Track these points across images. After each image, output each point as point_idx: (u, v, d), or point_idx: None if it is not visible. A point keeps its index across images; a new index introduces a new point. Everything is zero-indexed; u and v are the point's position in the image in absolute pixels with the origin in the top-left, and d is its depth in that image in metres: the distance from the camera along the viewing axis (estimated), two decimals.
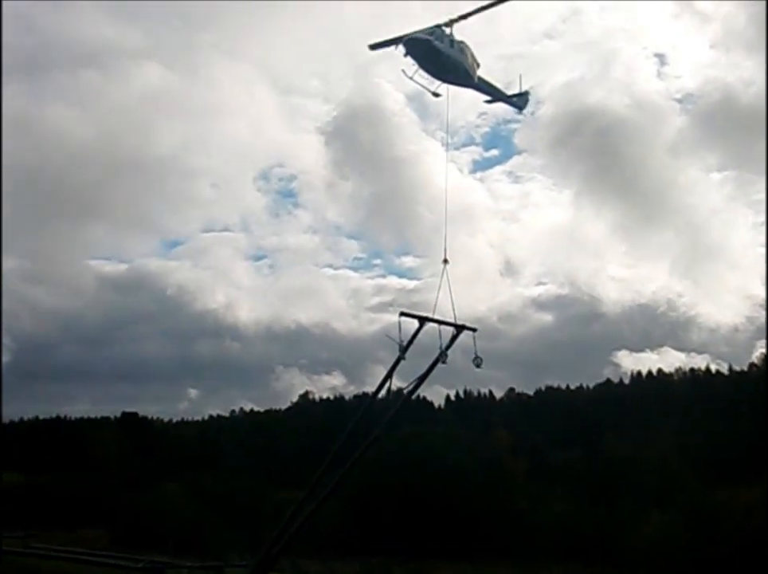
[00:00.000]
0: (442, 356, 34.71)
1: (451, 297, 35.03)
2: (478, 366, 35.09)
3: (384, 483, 79.38)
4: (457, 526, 73.73)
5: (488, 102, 45.56)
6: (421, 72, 38.61)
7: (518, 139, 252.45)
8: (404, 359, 34.73)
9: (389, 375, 35.41)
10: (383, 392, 36.08)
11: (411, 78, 38.03)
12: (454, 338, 34.98)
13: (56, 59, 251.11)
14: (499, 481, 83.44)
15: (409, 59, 37.70)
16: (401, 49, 38.17)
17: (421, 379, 35.40)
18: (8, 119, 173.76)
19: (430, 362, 35.11)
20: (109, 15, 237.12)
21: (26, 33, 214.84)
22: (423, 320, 34.78)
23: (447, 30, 38.29)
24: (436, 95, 39.64)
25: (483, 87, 42.99)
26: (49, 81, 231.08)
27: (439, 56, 37.58)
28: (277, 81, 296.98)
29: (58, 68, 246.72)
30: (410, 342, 34.72)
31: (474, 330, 35.14)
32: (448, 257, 35.80)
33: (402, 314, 34.32)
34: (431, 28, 37.90)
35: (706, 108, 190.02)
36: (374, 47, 39.62)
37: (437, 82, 39.11)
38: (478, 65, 41.02)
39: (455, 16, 38.47)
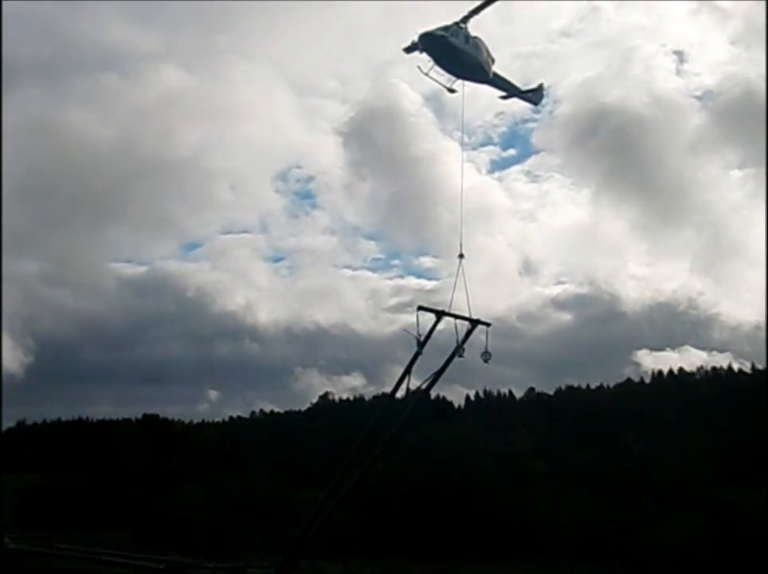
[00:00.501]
0: (458, 351, 35.18)
1: (466, 292, 35.71)
2: (486, 361, 35.52)
3: (404, 483, 79.40)
4: (477, 526, 73.61)
5: (503, 98, 45.77)
6: (437, 68, 39.02)
7: (535, 139, 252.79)
8: (421, 353, 35.20)
9: (407, 371, 35.73)
10: (402, 390, 36.43)
11: (427, 74, 38.35)
12: (469, 332, 35.48)
13: (76, 62, 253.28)
14: (519, 481, 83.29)
15: (424, 56, 38.14)
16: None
17: (438, 374, 35.76)
18: (29, 122, 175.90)
19: (443, 363, 35.62)
20: (128, 18, 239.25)
21: (47, 37, 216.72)
22: (440, 314, 35.36)
23: (462, 27, 38.54)
24: (452, 91, 40.02)
25: (498, 83, 43.18)
26: (70, 85, 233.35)
27: (454, 52, 37.84)
28: (295, 83, 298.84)
29: (79, 71, 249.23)
30: (428, 336, 35.25)
31: (488, 325, 35.59)
32: (465, 254, 36.41)
33: (420, 308, 35.04)
34: (447, 24, 38.19)
35: (726, 105, 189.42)
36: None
37: (453, 78, 39.45)
38: (493, 61, 41.24)
39: (467, 12, 38.73)
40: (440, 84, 39.02)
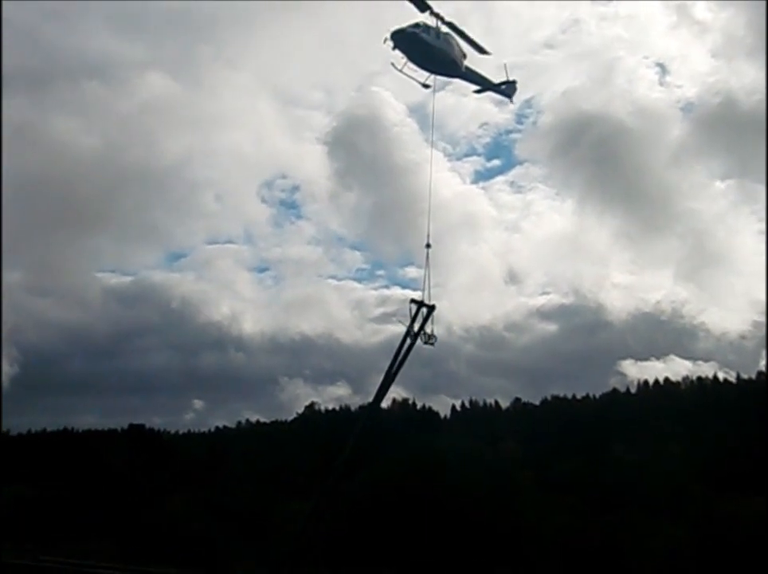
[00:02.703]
0: (419, 335, 37.37)
1: (425, 280, 37.89)
2: (425, 342, 37.28)
3: (391, 494, 79.27)
4: (465, 537, 73.59)
5: (478, 92, 46.96)
6: (411, 65, 40.07)
7: (519, 150, 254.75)
8: (413, 343, 37.30)
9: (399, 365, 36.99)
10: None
11: (400, 71, 39.46)
12: (424, 317, 37.68)
13: (60, 71, 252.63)
14: (506, 492, 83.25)
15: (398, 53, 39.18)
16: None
17: (397, 358, 37.01)
18: (13, 131, 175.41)
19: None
20: (111, 28, 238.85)
21: (31, 46, 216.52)
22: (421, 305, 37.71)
23: (433, 23, 39.61)
24: (425, 86, 41.28)
25: (471, 76, 44.42)
26: (55, 93, 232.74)
27: (425, 47, 39.08)
28: (280, 92, 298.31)
29: (64, 80, 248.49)
30: (421, 327, 37.49)
31: (431, 308, 37.36)
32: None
33: (413, 301, 37.59)
34: (417, 21, 39.23)
35: (708, 116, 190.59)
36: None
37: (426, 74, 40.53)
38: (465, 56, 42.47)
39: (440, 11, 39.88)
40: (414, 79, 40.40)
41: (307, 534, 34.58)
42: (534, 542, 73.34)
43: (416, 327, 37.39)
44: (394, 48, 38.45)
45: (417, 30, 38.58)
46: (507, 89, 47.18)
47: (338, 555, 68.79)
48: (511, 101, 48.98)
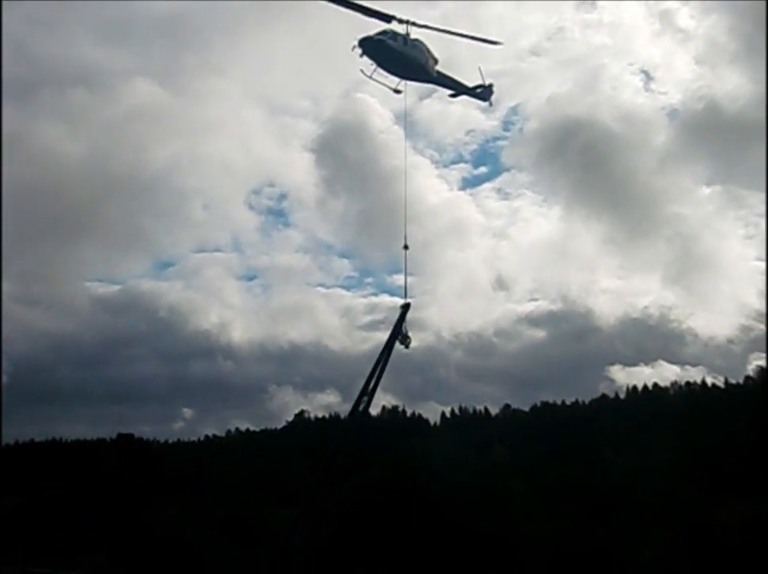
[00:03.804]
0: (399, 336, 38.54)
1: (405, 278, 39.18)
2: (401, 342, 38.04)
3: (381, 500, 79.26)
4: (456, 543, 73.59)
5: (452, 96, 47.46)
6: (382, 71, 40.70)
7: (505, 157, 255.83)
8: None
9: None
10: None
11: (370, 77, 40.10)
12: (400, 315, 38.79)
13: (46, 79, 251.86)
14: (496, 498, 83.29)
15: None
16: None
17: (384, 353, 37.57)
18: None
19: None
20: (97, 36, 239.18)
21: (17, 54, 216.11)
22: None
23: (403, 30, 40.23)
24: (397, 91, 41.96)
25: (443, 81, 45.21)
26: (40, 101, 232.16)
27: (393, 54, 39.93)
28: (266, 100, 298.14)
29: (48, 87, 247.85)
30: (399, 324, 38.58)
31: (406, 306, 38.22)
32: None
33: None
34: (385, 29, 39.87)
35: (692, 121, 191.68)
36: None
37: (397, 79, 41.07)
38: (436, 61, 43.22)
39: (412, 19, 40.55)
40: (385, 85, 41.17)
41: (294, 541, 34.53)
42: (525, 547, 73.45)
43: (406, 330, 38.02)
44: (362, 55, 39.29)
45: (383, 37, 39.60)
46: (483, 93, 47.84)
47: (328, 561, 68.67)
48: (490, 104, 49.64)
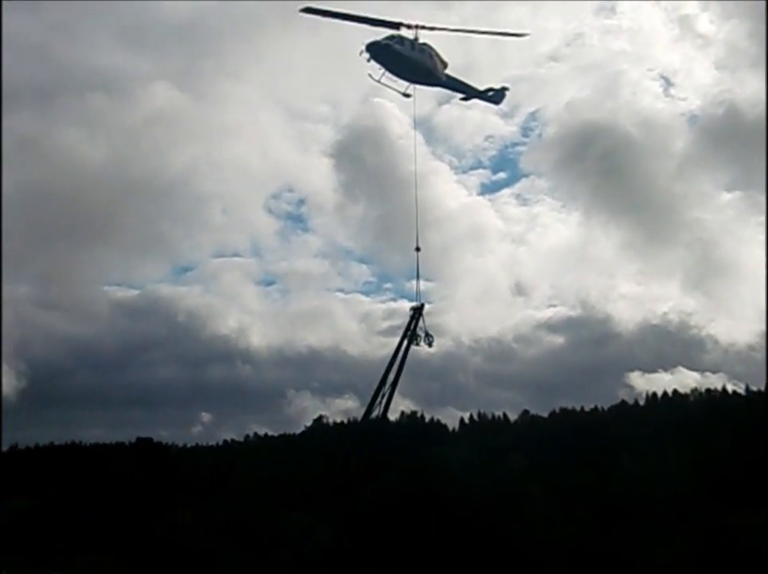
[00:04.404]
0: (415, 337, 39.04)
1: (417, 280, 39.65)
2: (425, 342, 38.31)
3: (400, 505, 79.25)
4: (473, 547, 73.50)
5: (464, 99, 47.86)
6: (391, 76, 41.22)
7: (524, 163, 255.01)
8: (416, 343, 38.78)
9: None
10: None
11: (378, 81, 40.57)
12: (412, 317, 39.52)
13: (65, 84, 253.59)
14: (515, 504, 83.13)
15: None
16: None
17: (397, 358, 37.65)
18: (20, 144, 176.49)
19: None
20: (116, 42, 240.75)
21: (37, 60, 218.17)
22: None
23: (411, 34, 40.75)
24: (406, 95, 42.34)
25: (453, 84, 45.60)
26: (60, 106, 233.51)
27: (400, 58, 40.51)
28: (284, 104, 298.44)
29: (68, 92, 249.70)
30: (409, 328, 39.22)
31: (420, 307, 39.26)
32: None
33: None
34: (392, 33, 40.45)
35: (712, 127, 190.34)
36: (306, 11, 41.76)
37: (406, 83, 41.60)
38: (445, 65, 43.55)
39: (422, 23, 41.05)
40: (393, 89, 41.77)
41: (310, 545, 34.62)
42: (541, 552, 73.20)
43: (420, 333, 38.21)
44: (370, 59, 39.84)
45: (390, 42, 40.22)
46: (494, 96, 48.20)
47: (347, 564, 68.83)
48: (499, 107, 50.24)
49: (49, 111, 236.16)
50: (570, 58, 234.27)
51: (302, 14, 41.26)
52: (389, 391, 38.50)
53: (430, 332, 39.20)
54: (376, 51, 40.30)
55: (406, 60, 41.11)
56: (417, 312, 38.30)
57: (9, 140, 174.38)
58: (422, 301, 39.37)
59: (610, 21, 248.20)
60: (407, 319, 39.86)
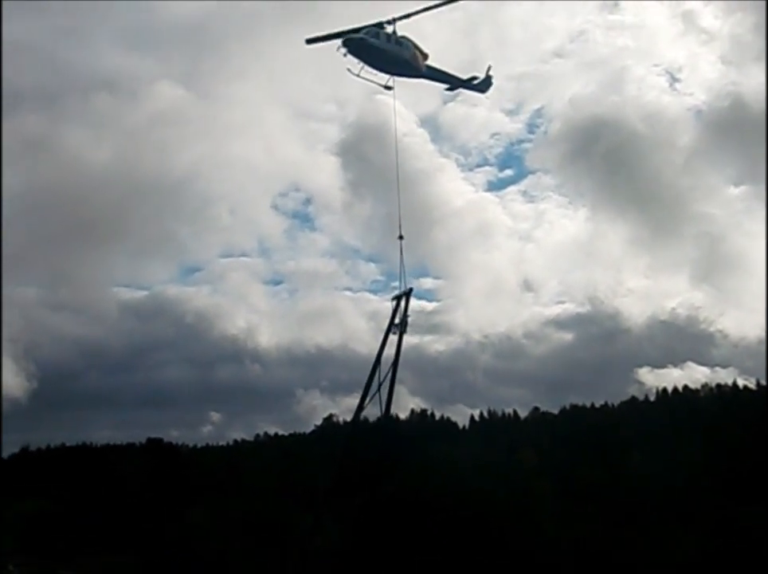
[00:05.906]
0: (401, 325, 38.33)
1: (401, 268, 39.08)
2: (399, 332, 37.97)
3: (411, 503, 79.24)
4: (484, 545, 73.47)
5: (449, 89, 48.21)
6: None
7: (530, 160, 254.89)
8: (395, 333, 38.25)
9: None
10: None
11: (358, 75, 41.13)
12: (398, 304, 38.77)
13: (71, 85, 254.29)
14: (525, 501, 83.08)
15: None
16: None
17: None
18: (27, 144, 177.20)
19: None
20: (121, 43, 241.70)
21: (43, 62, 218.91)
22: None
23: (389, 28, 41.42)
24: (388, 88, 42.68)
25: (434, 75, 46.16)
26: (66, 107, 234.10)
27: (376, 52, 41.32)
28: (290, 103, 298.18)
29: (74, 93, 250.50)
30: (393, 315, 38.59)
31: (409, 291, 38.66)
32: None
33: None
34: (368, 27, 41.10)
35: (718, 121, 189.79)
36: (310, 41, 43.14)
37: (386, 77, 42.12)
38: (425, 56, 43.95)
39: (398, 15, 41.78)
40: (374, 82, 42.20)
41: (314, 545, 34.67)
42: (552, 550, 73.09)
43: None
44: (346, 54, 40.56)
45: (365, 36, 40.92)
46: (479, 85, 48.30)
47: (358, 563, 68.74)
48: (486, 96, 50.32)
49: (55, 112, 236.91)
50: (574, 54, 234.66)
51: (308, 46, 42.50)
52: (389, 387, 38.35)
53: (408, 319, 38.94)
54: (352, 45, 40.96)
55: (383, 52, 41.91)
56: (406, 297, 38.10)
57: (16, 142, 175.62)
58: (400, 292, 39.05)
59: (614, 17, 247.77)
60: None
